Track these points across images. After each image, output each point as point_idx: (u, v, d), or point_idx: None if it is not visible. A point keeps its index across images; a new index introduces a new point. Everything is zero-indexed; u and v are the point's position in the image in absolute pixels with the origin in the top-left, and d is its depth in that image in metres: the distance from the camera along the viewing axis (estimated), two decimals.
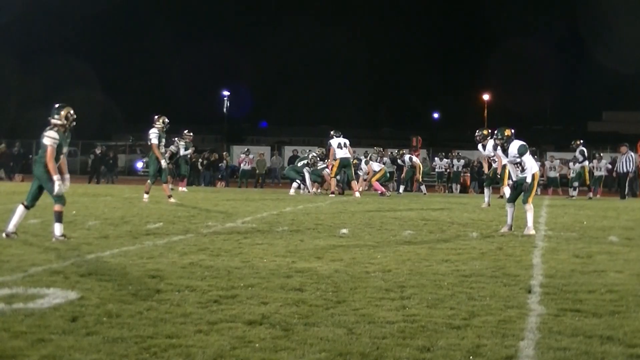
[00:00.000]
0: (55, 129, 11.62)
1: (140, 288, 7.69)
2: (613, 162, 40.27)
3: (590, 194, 30.83)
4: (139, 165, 52.44)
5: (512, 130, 14.34)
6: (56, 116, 11.66)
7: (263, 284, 8.07)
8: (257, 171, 39.98)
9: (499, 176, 22.05)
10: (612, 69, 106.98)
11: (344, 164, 26.88)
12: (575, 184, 31.61)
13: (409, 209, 20.20)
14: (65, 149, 11.91)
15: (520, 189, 14.16)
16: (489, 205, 21.54)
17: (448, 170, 40.18)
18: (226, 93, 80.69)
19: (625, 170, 31.06)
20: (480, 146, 22.46)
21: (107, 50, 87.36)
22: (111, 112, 78.56)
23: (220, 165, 40.87)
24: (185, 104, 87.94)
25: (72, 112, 11.84)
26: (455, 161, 40.06)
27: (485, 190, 22.92)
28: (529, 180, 13.81)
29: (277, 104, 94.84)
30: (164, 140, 21.59)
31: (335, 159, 26.71)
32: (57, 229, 11.61)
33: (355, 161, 28.57)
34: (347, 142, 27.31)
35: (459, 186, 39.26)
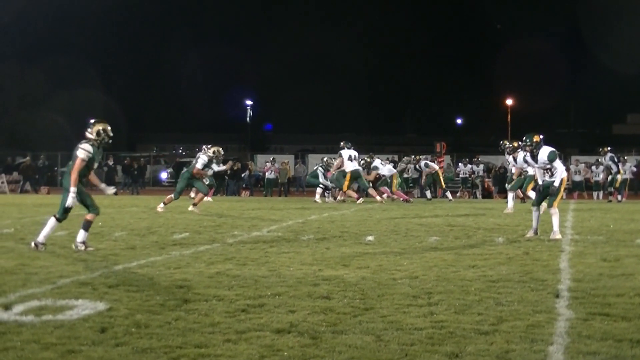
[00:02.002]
0: (91, 142, 11.60)
1: (168, 298, 7.70)
2: (638, 165, 40.10)
3: (611, 197, 30.68)
4: (164, 175, 52.61)
5: (541, 136, 14.35)
6: (89, 130, 11.66)
7: (290, 292, 8.08)
8: (280, 180, 39.98)
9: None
10: (635, 71, 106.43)
11: (355, 175, 27.04)
12: (610, 188, 31.44)
13: (434, 215, 20.19)
14: (95, 164, 11.93)
15: (546, 192, 14.12)
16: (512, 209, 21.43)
17: (472, 175, 40.04)
18: (249, 102, 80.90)
19: None
20: (511, 158, 22.28)
21: (115, 54, 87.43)
22: (134, 121, 78.87)
23: (243, 174, 40.91)
24: (205, 112, 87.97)
25: (108, 128, 11.81)
26: (474, 167, 39.99)
27: (510, 194, 22.81)
28: (556, 184, 13.81)
29: (298, 110, 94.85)
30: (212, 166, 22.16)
31: (339, 169, 27.00)
32: (81, 235, 11.73)
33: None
34: (357, 154, 27.50)
35: (480, 192, 39.17)
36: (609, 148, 31.64)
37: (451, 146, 51.21)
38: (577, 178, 37.93)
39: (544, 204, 14.96)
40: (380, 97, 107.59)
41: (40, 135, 57.91)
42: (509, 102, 77.33)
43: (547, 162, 14.00)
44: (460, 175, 41.12)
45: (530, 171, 20.34)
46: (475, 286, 8.43)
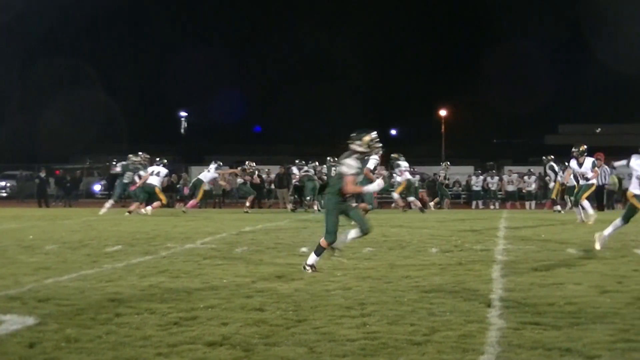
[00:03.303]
0: (356, 155, 10.89)
1: (99, 312, 7.62)
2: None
3: (558, 207, 31.02)
4: (97, 187, 51.98)
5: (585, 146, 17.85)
6: (357, 142, 10.90)
7: (223, 304, 8.04)
8: (214, 191, 39.76)
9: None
10: (567, 82, 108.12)
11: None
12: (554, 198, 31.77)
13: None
14: (360, 177, 11.31)
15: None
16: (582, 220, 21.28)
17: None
18: (183, 114, 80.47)
19: (601, 183, 31.26)
20: (574, 162, 21.89)
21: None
22: (69, 133, 77.88)
23: (178, 186, 40.61)
24: (140, 125, 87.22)
25: (374, 136, 11.05)
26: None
27: (582, 204, 22.36)
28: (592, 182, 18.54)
29: (232, 121, 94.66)
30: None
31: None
32: (311, 259, 10.83)
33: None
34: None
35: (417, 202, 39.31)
36: (551, 157, 31.95)
37: (386, 157, 51.36)
38: (510, 188, 38.42)
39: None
40: (317, 108, 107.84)
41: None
42: (443, 113, 78.03)
43: (590, 168, 17.50)
44: (396, 186, 41.24)
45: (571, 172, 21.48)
46: (408, 297, 8.46)
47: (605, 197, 32.31)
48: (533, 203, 36.88)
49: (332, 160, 31.71)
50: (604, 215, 24.17)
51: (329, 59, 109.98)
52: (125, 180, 27.93)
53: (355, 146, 10.83)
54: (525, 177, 38.22)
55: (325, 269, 10.92)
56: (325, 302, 8.19)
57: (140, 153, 28.94)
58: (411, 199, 29.72)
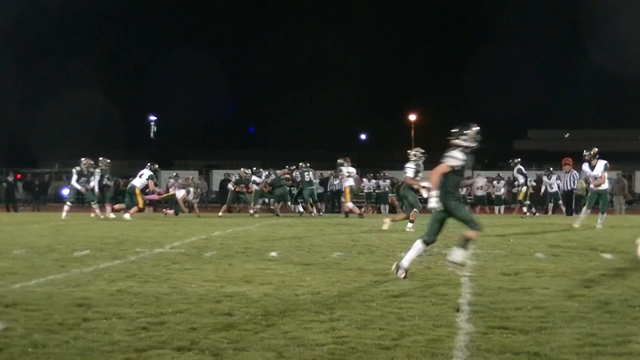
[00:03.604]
0: (460, 149, 10.53)
1: (67, 317, 7.56)
2: (538, 180, 40.88)
3: (526, 211, 31.15)
4: (66, 192, 51.59)
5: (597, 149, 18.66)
6: (463, 136, 10.57)
7: (192, 309, 8.00)
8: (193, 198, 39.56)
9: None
10: (535, 87, 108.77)
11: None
12: (527, 202, 31.90)
13: (338, 230, 20.23)
14: (466, 172, 10.97)
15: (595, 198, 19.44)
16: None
17: (376, 190, 40.23)
18: (153, 118, 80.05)
19: (569, 188, 31.43)
20: (586, 165, 21.84)
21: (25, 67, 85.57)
22: (36, 137, 77.33)
23: (147, 190, 40.41)
24: (110, 127, 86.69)
25: (478, 129, 10.74)
26: (381, 182, 40.15)
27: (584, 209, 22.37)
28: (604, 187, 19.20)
29: (202, 125, 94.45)
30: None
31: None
32: (457, 254, 10.45)
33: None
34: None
35: (387, 206, 39.39)
36: (518, 160, 32.10)
37: (356, 162, 51.39)
38: (480, 193, 38.56)
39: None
40: (285, 113, 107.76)
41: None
42: (412, 117, 78.23)
43: (603, 171, 18.04)
44: (365, 191, 41.26)
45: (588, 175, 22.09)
46: (377, 301, 8.47)
47: (574, 202, 32.49)
48: (502, 208, 37.07)
49: (304, 166, 31.74)
50: (573, 219, 24.37)
51: (301, 64, 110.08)
52: (78, 186, 27.82)
53: (461, 141, 10.55)
54: (495, 182, 38.42)
55: (294, 273, 10.91)
56: (295, 306, 8.18)
57: (82, 159, 28.79)
58: (350, 205, 29.59)
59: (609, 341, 6.53)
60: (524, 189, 31.26)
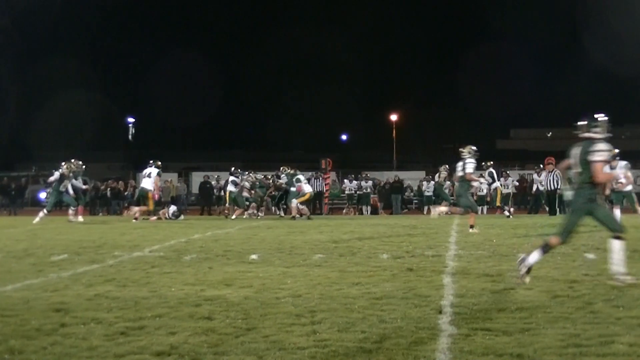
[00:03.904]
0: (602, 141, 10.17)
1: (44, 322, 7.46)
2: (521, 180, 41.02)
3: (507, 212, 31.16)
4: (43, 195, 51.24)
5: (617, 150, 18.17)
6: (596, 129, 10.23)
7: (171, 313, 7.92)
8: (163, 198, 39.38)
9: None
10: (518, 87, 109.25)
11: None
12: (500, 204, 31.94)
13: (319, 232, 20.16)
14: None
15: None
16: None
17: (357, 192, 40.15)
18: (131, 120, 79.88)
19: (552, 187, 31.44)
20: (608, 167, 21.79)
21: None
22: (15, 139, 77.16)
23: (126, 193, 40.27)
24: (89, 130, 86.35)
25: (607, 118, 10.34)
26: (363, 182, 40.06)
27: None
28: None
29: (181, 127, 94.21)
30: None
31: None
32: (533, 257, 10.02)
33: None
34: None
35: (369, 207, 39.36)
36: (491, 163, 32.14)
37: (337, 163, 51.37)
38: None
39: None
40: (267, 114, 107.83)
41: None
42: (394, 117, 78.11)
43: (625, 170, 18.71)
44: (347, 192, 41.22)
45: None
46: (359, 304, 8.40)
47: (557, 202, 32.51)
48: (485, 208, 37.03)
49: (287, 168, 31.62)
50: (556, 219, 24.41)
51: (281, 65, 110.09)
52: (62, 189, 27.64)
53: (594, 133, 10.31)
54: (477, 184, 38.35)
55: (275, 276, 10.83)
56: (275, 310, 8.11)
57: (63, 163, 28.67)
58: (302, 207, 29.69)
59: (593, 342, 6.49)
60: (497, 191, 31.36)
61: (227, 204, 31.56)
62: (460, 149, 20.77)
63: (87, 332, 7.05)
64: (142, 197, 28.12)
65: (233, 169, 32.63)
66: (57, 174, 27.94)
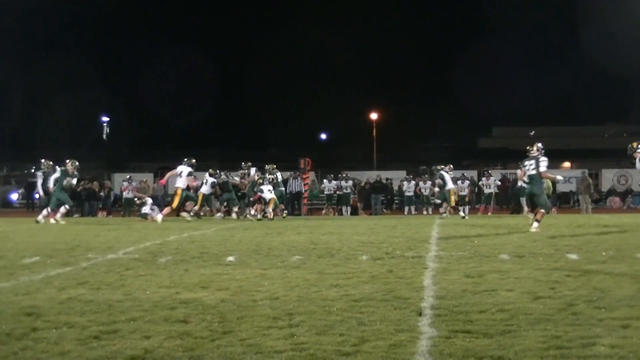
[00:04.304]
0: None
1: (15, 327, 7.32)
2: (503, 179, 41.12)
3: (462, 213, 31.34)
4: (14, 196, 50.91)
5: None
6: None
7: (146, 317, 7.79)
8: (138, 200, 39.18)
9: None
10: (501, 85, 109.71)
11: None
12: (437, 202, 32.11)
13: (297, 233, 20.05)
14: None
15: None
16: None
17: (337, 192, 39.97)
18: (105, 119, 79.59)
19: None
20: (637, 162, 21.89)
21: None
22: None
23: (101, 193, 40.05)
24: (64, 129, 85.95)
25: None
26: (343, 182, 39.93)
27: None
28: None
29: (157, 126, 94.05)
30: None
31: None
32: None
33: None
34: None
35: (349, 208, 39.30)
36: (442, 166, 32.17)
37: (316, 162, 51.20)
38: None
39: None
40: (241, 112, 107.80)
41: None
42: (374, 116, 78.01)
43: None
44: (326, 192, 41.08)
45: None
46: (337, 306, 8.29)
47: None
48: (466, 208, 37.04)
49: (272, 168, 31.38)
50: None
51: (259, 62, 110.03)
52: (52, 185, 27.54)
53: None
54: (459, 182, 38.29)
55: (252, 278, 10.71)
56: (252, 312, 8.00)
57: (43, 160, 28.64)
58: (269, 210, 29.77)
59: (574, 344, 6.42)
60: (450, 192, 31.52)
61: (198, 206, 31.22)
62: (528, 147, 20.90)
63: (59, 336, 6.92)
64: (180, 197, 28.19)
65: (211, 170, 32.41)
66: (38, 174, 27.92)
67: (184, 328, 7.22)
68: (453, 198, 31.32)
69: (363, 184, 42.15)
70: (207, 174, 31.45)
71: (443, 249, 14.80)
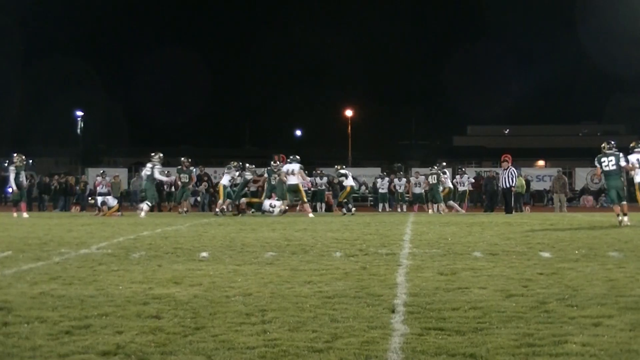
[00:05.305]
0: None
1: None
2: (477, 177, 41.24)
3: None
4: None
5: None
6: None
7: (118, 312, 7.75)
8: (112, 194, 38.95)
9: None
10: (475, 84, 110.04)
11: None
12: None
13: (271, 229, 20.02)
14: None
15: None
16: None
17: (312, 188, 39.84)
18: (79, 113, 78.98)
19: (508, 185, 31.59)
20: (634, 157, 22.07)
21: None
22: None
23: (76, 188, 39.82)
24: (36, 123, 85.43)
25: None
26: (318, 179, 39.81)
27: None
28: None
29: (131, 122, 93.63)
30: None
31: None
32: None
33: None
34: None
35: (323, 205, 39.21)
36: (398, 164, 32.44)
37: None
38: (417, 190, 38.35)
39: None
40: (217, 109, 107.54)
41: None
42: (349, 113, 77.83)
43: None
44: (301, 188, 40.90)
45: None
46: (310, 302, 8.29)
47: (513, 200, 32.74)
48: (442, 205, 37.08)
49: (236, 164, 31.39)
50: (511, 217, 24.52)
51: (235, 58, 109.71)
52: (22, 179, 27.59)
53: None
54: (458, 177, 38.22)
55: (225, 274, 10.68)
56: (225, 308, 7.98)
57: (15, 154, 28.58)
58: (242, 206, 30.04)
59: (546, 341, 6.44)
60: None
61: (174, 201, 31.34)
62: (603, 145, 21.38)
63: (30, 331, 6.87)
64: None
65: (234, 163, 32.32)
66: (11, 169, 27.88)
67: (157, 324, 7.18)
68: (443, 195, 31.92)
69: (337, 181, 42.08)
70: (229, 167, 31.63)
71: (417, 246, 14.81)
